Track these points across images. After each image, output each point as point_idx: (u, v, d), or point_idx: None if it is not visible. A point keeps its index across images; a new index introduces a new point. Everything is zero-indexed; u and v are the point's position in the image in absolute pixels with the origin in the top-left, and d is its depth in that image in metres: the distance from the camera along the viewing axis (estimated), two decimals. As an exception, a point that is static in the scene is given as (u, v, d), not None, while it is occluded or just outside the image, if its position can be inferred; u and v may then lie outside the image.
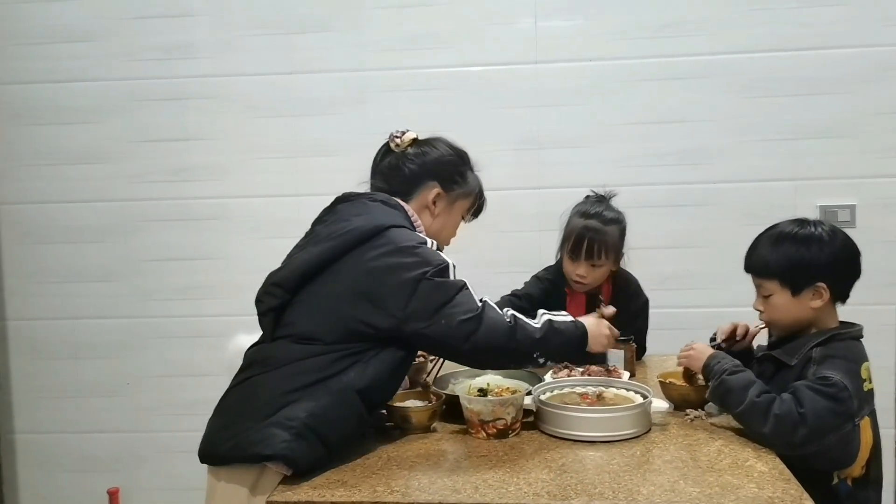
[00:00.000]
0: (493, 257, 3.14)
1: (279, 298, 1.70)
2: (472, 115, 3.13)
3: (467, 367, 2.20)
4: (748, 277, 1.97)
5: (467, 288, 1.66)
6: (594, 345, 1.84)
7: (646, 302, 2.55)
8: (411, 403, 1.89)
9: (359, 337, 1.64)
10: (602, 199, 2.46)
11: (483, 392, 1.86)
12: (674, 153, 3.10)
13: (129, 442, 3.30)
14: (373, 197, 1.82)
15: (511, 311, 1.71)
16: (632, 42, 3.08)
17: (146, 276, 3.25)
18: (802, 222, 1.89)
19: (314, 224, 1.86)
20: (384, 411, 1.86)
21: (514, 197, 3.15)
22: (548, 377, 2.16)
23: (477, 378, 2.07)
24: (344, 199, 1.84)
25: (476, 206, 1.99)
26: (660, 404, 1.83)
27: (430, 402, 1.90)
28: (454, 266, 1.68)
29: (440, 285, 1.63)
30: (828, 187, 3.06)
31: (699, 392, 1.94)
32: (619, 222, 2.43)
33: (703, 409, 1.92)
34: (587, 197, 2.51)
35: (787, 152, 3.06)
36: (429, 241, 1.72)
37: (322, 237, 1.75)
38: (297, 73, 3.17)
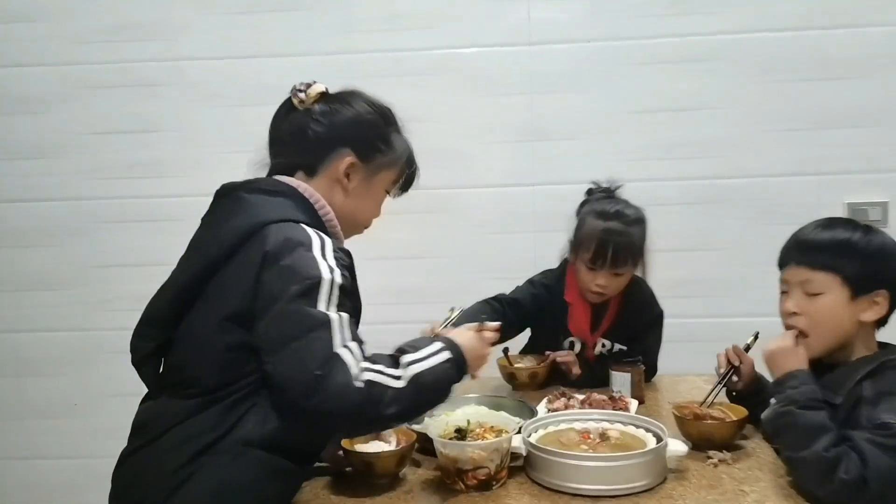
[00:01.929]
0: (481, 261, 2.83)
1: (154, 340, 1.38)
2: (459, 102, 2.80)
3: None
4: (770, 283, 1.66)
5: (329, 324, 1.23)
6: (473, 369, 1.45)
7: (660, 314, 2.22)
8: (374, 446, 1.56)
9: (244, 373, 1.29)
10: (611, 194, 2.13)
11: (461, 433, 1.53)
12: (685, 145, 2.76)
13: (77, 469, 2.99)
14: (251, 186, 1.44)
15: (367, 366, 1.26)
16: (638, 20, 2.74)
17: (98, 284, 2.92)
18: (849, 221, 1.58)
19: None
20: (341, 452, 1.53)
21: (507, 194, 2.84)
22: (541, 408, 1.84)
23: (455, 411, 1.74)
24: (222, 195, 1.47)
25: (405, 178, 1.59)
26: (677, 447, 1.50)
27: (396, 443, 1.57)
28: (339, 283, 1.28)
29: (295, 313, 1.23)
30: (856, 183, 2.73)
31: (725, 430, 1.62)
32: (642, 222, 2.09)
33: (726, 451, 1.58)
34: (590, 191, 2.17)
35: (811, 143, 2.73)
36: (318, 239, 1.32)
37: (194, 249, 1.42)
38: (271, 57, 2.83)
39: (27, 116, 2.89)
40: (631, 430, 1.61)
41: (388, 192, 1.59)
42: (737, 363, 1.81)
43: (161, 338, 1.37)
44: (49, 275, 2.94)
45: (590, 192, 2.16)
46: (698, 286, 2.77)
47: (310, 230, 1.34)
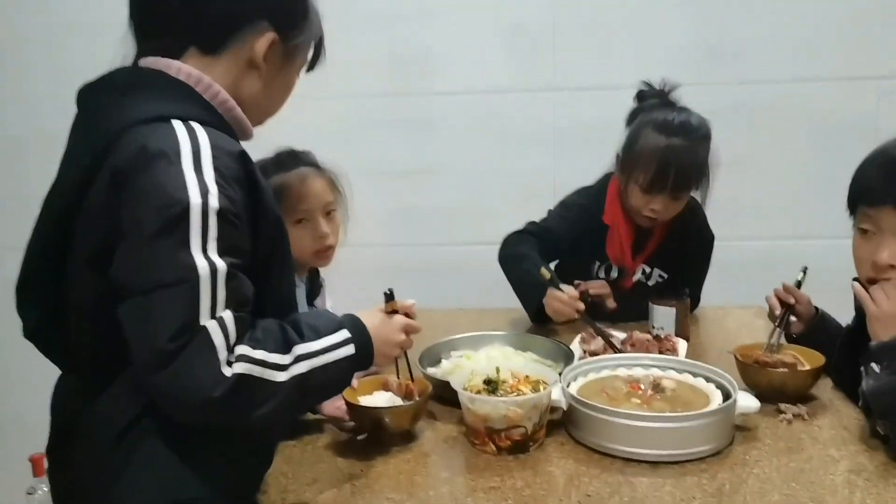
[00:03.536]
0: (491, 182, 2.54)
1: (36, 307, 1.06)
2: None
3: (469, 335, 1.63)
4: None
5: (195, 279, 0.90)
6: (381, 359, 1.17)
7: (711, 240, 1.95)
8: (380, 398, 1.31)
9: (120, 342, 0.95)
10: (667, 100, 1.82)
11: (491, 385, 1.28)
12: (721, 44, 2.42)
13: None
14: (110, 83, 1.04)
15: (245, 352, 0.94)
16: None
17: None
18: None
19: None
20: (341, 404, 1.28)
21: (520, 102, 2.51)
22: (574, 348, 1.59)
23: (477, 352, 1.49)
24: (80, 103, 1.05)
25: (313, 58, 1.20)
26: (747, 402, 1.26)
27: (409, 395, 1.32)
28: (217, 208, 0.93)
29: (147, 258, 0.91)
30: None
31: (800, 379, 1.38)
32: (709, 137, 1.78)
33: (801, 405, 1.35)
34: (642, 95, 1.84)
35: (870, 43, 2.39)
36: (190, 142, 0.96)
37: (53, 187, 1.07)
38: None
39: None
40: (688, 378, 1.37)
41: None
42: (791, 302, 1.56)
43: (45, 303, 1.05)
44: None
45: (641, 95, 1.84)
46: (734, 207, 2.49)
47: (182, 130, 0.97)
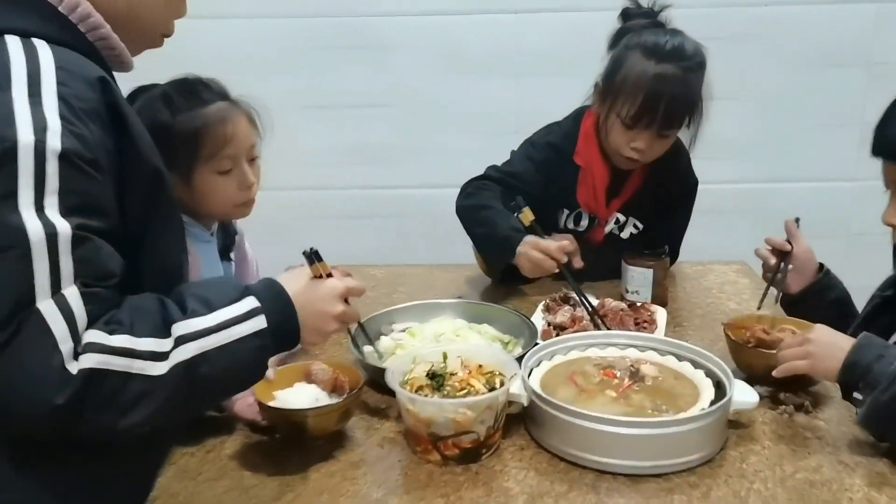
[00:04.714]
0: (448, 117, 2.26)
1: None
2: None
3: (415, 304, 1.40)
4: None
5: (24, 247, 0.70)
6: (311, 336, 0.91)
7: (695, 186, 1.71)
8: (301, 392, 1.07)
9: None
10: (656, 21, 1.54)
11: (436, 380, 1.04)
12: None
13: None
14: None
15: (97, 339, 0.73)
16: None
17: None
18: None
19: None
20: (253, 401, 1.04)
21: (482, 23, 2.20)
22: (537, 320, 1.36)
23: (422, 326, 1.26)
24: None
25: None
26: (745, 396, 1.05)
27: (338, 388, 1.08)
28: (59, 150, 0.72)
29: None
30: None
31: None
32: (703, 66, 1.51)
33: (803, 394, 1.14)
34: (627, 14, 1.55)
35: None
36: (26, 65, 0.75)
37: None
38: None
39: None
40: (671, 362, 1.15)
41: None
42: (787, 249, 1.35)
43: None
44: None
45: (626, 14, 1.55)
46: (715, 145, 2.25)
47: (16, 46, 0.76)
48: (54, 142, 0.71)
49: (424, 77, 2.27)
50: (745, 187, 2.32)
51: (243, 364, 0.82)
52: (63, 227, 0.71)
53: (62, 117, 0.73)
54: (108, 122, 0.79)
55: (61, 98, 0.74)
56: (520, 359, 1.11)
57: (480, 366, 1.07)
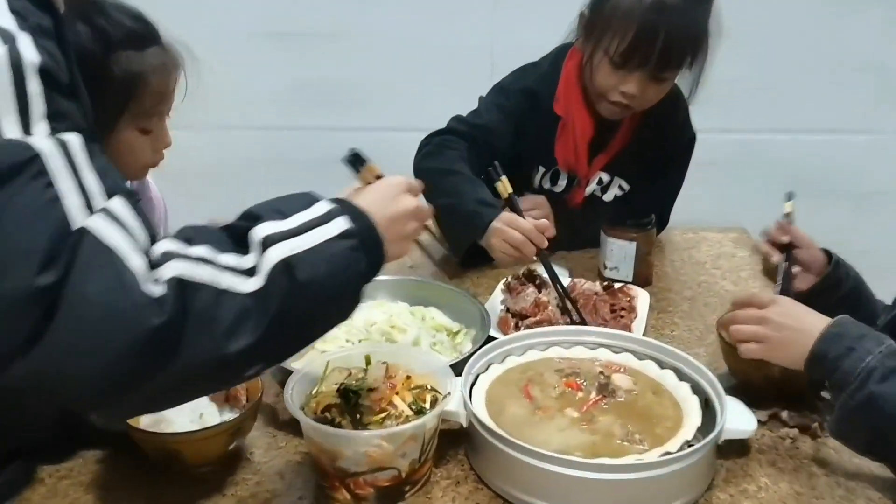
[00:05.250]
0: (413, 54, 1.98)
1: None
2: None
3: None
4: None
5: (41, 164, 0.56)
6: (396, 245, 0.76)
7: (692, 141, 1.47)
8: (181, 409, 0.84)
9: None
10: None
11: (349, 397, 0.82)
12: None
13: None
14: None
15: (172, 248, 0.60)
16: None
17: None
18: None
19: None
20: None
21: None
22: (494, 302, 1.15)
23: (358, 325, 1.03)
24: None
25: None
26: (740, 423, 0.83)
27: (234, 400, 0.87)
28: (36, 64, 0.58)
29: None
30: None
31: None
32: None
33: (811, 414, 0.93)
34: None
35: None
36: None
37: None
38: None
39: None
40: (650, 369, 0.94)
41: None
42: (785, 240, 1.13)
43: None
44: None
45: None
46: (719, 87, 2.00)
47: None
48: (29, 56, 0.58)
49: (386, 7, 1.98)
50: (744, 138, 2.06)
51: (341, 269, 0.66)
52: (71, 140, 0.57)
53: (24, 31, 0.59)
54: (62, 51, 0.63)
55: (14, 13, 0.60)
56: (467, 359, 0.90)
57: (408, 377, 0.85)
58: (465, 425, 0.84)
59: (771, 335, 0.86)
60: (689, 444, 0.79)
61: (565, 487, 0.76)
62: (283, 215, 0.65)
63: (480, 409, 0.85)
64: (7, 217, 0.53)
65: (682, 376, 0.91)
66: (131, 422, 0.80)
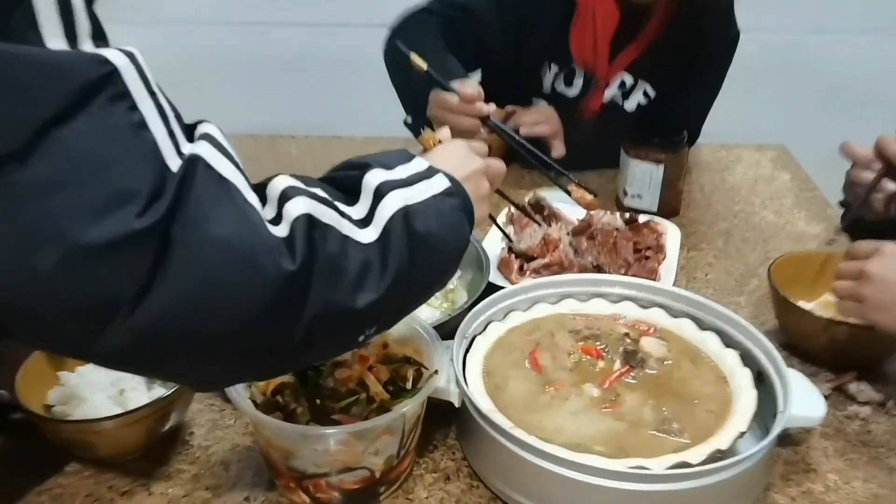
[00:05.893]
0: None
1: None
2: None
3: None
4: None
5: (117, 73, 0.42)
6: (481, 209, 0.67)
7: (735, 39, 1.23)
8: (99, 384, 0.67)
9: None
10: None
11: (310, 376, 0.64)
12: None
13: None
14: None
15: (295, 184, 0.50)
16: None
17: None
18: None
19: None
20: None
21: None
22: (495, 240, 0.95)
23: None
24: None
25: None
26: (806, 410, 0.66)
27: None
28: None
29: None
30: None
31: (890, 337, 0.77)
32: None
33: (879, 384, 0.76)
34: None
35: None
36: None
37: None
38: None
39: None
40: (687, 331, 0.75)
41: None
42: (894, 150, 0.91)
43: None
44: None
45: None
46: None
47: None
48: None
49: None
50: (785, 39, 1.81)
51: (452, 226, 0.59)
52: (134, 50, 0.45)
53: None
54: None
55: None
56: (461, 315, 0.72)
57: (385, 346, 0.67)
58: (457, 405, 0.67)
59: (868, 294, 0.68)
60: (742, 435, 0.62)
61: (584, 497, 0.59)
62: (388, 167, 0.58)
63: (477, 387, 0.67)
64: (91, 147, 0.41)
65: (728, 341, 0.73)
66: (25, 400, 0.62)
